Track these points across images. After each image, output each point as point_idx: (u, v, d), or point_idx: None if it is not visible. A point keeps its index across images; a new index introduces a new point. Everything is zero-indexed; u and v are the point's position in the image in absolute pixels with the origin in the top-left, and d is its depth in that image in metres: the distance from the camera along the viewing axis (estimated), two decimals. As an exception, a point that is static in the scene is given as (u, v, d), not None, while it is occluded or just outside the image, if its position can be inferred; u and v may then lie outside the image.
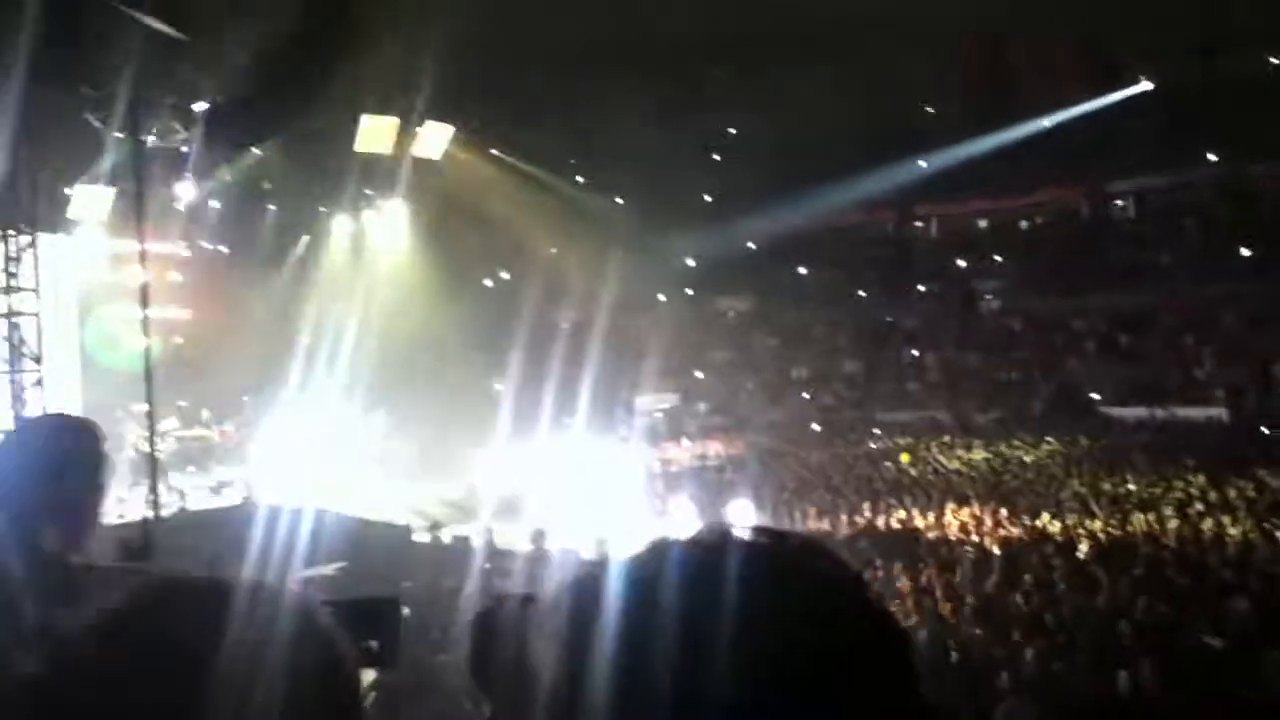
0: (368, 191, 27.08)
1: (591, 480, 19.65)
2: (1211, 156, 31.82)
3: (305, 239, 27.67)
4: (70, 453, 1.97)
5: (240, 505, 17.27)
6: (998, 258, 35.71)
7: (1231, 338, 28.53)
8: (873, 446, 25.88)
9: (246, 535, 11.00)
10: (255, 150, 23.58)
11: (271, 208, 26.53)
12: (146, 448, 16.87)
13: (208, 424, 23.34)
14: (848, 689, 0.69)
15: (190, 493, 18.85)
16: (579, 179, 33.08)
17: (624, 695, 0.69)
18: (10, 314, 15.58)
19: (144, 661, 0.82)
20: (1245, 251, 30.08)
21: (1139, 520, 16.08)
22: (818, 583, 0.74)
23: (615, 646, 0.71)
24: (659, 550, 0.76)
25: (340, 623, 0.92)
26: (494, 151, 30.01)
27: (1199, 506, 16.53)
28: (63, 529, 1.92)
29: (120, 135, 18.05)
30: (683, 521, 17.35)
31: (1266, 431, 22.66)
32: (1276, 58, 30.14)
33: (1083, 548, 14.84)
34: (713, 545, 0.76)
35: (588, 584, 0.76)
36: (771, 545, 0.76)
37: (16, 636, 1.42)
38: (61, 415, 2.47)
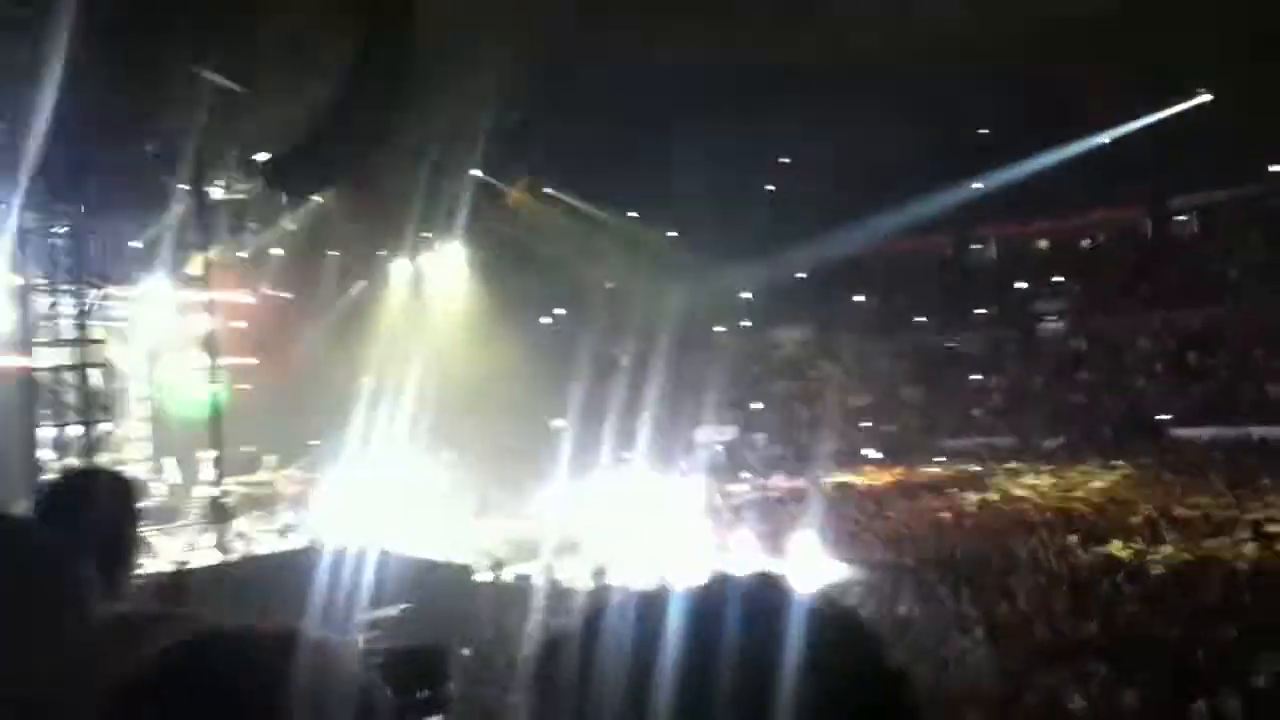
0: (426, 235, 27.49)
1: (652, 515, 19.62)
2: (1274, 167, 31.18)
3: (362, 283, 28.14)
4: (102, 505, 2.03)
5: (305, 549, 17.45)
6: (1059, 278, 35.16)
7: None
8: (937, 473, 25.52)
9: (311, 579, 11.09)
10: (316, 198, 24.07)
11: (333, 253, 26.99)
12: (215, 494, 17.18)
13: (273, 470, 23.69)
14: None
15: (256, 537, 19.11)
16: (632, 214, 33.23)
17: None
18: (82, 365, 15.98)
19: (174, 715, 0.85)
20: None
21: (1213, 544, 15.71)
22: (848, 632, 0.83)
23: (674, 674, 0.76)
24: (717, 587, 0.83)
25: (390, 673, 0.93)
26: (548, 190, 30.33)
27: (1276, 528, 16.09)
28: (99, 577, 1.98)
29: (186, 188, 18.50)
30: (745, 555, 17.24)
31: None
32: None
33: (1156, 572, 14.52)
34: (756, 589, 0.83)
35: (648, 612, 0.80)
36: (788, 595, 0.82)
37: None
38: (88, 468, 2.55)
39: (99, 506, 2.02)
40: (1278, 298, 28.86)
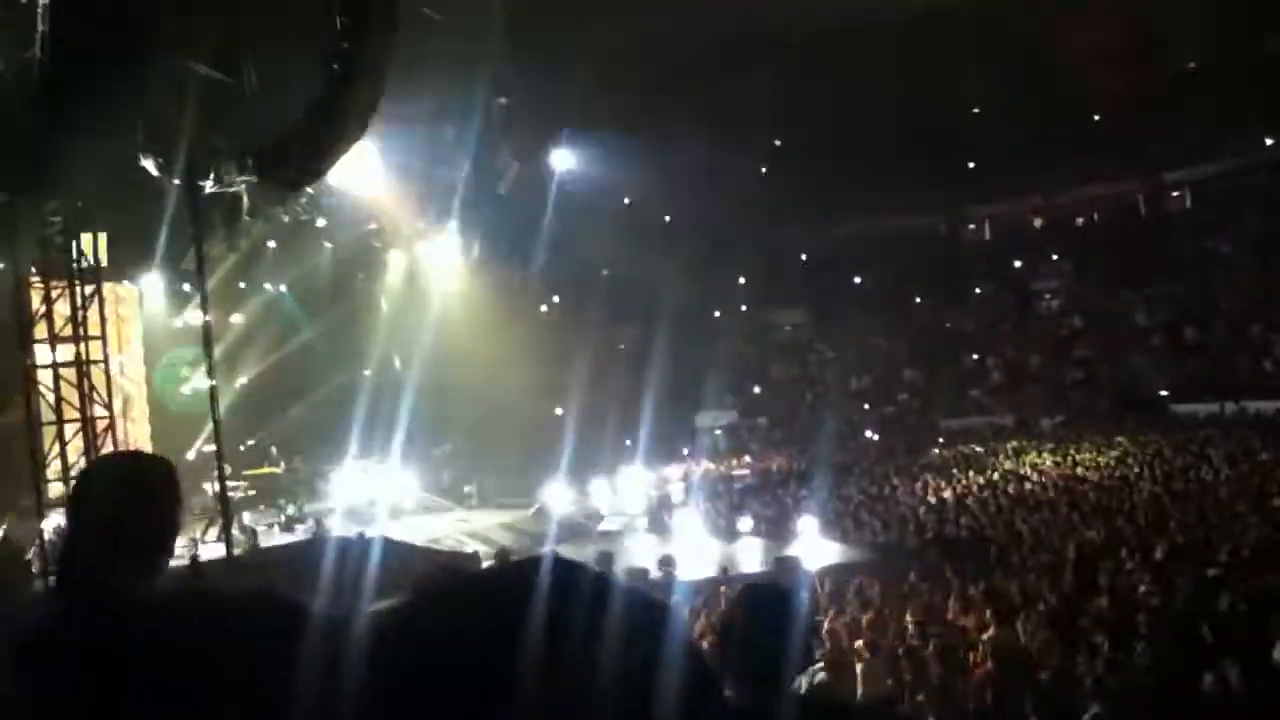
0: (419, 225, 27.31)
1: (656, 501, 19.63)
2: (1269, 140, 31.16)
3: (360, 275, 28.00)
4: (154, 485, 1.98)
5: (310, 540, 17.41)
6: (1054, 256, 35.15)
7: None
8: (936, 454, 25.49)
9: (316, 570, 11.04)
10: (308, 190, 23.89)
11: (327, 245, 26.83)
12: (218, 488, 17.10)
13: (275, 461, 23.64)
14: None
15: (261, 530, 19.07)
16: (627, 200, 33.09)
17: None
18: (79, 361, 15.86)
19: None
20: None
21: (1215, 519, 15.69)
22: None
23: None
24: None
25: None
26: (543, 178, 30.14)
27: (1277, 503, 16.07)
28: (144, 564, 1.93)
29: (178, 182, 18.32)
30: (747, 539, 17.26)
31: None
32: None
33: (1159, 547, 14.49)
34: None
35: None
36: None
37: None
38: (137, 451, 2.50)
39: (146, 489, 1.97)
40: (1270, 271, 28.87)
